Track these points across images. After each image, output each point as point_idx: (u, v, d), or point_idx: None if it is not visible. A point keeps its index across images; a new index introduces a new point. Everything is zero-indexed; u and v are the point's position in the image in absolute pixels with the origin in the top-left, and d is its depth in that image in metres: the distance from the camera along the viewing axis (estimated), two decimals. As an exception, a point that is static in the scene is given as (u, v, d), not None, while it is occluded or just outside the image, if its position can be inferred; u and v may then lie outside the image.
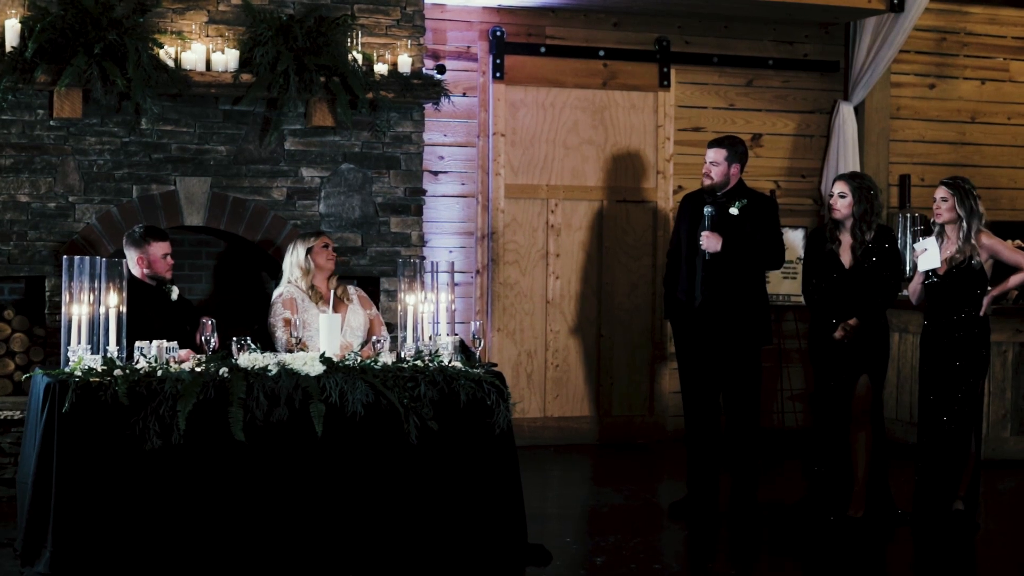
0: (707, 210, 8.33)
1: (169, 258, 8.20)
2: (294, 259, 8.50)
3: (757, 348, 8.45)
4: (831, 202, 8.19)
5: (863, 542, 7.75)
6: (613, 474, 9.84)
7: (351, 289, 8.65)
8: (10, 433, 8.20)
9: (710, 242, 8.25)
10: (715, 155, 8.40)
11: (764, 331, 8.49)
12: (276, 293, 8.47)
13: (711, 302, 8.26)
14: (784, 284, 10.94)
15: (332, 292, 8.07)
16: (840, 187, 8.18)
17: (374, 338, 7.48)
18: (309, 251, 8.46)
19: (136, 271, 8.09)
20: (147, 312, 7.79)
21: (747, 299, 8.37)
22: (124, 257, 8.10)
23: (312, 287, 8.40)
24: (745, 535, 8.01)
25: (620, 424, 10.89)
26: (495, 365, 7.42)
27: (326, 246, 8.51)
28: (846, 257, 8.16)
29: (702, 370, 8.37)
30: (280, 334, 8.19)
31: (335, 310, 8.18)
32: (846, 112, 11.27)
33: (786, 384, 11.30)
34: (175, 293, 8.27)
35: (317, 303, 8.29)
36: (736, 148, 8.43)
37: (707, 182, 8.42)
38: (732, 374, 8.32)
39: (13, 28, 8.62)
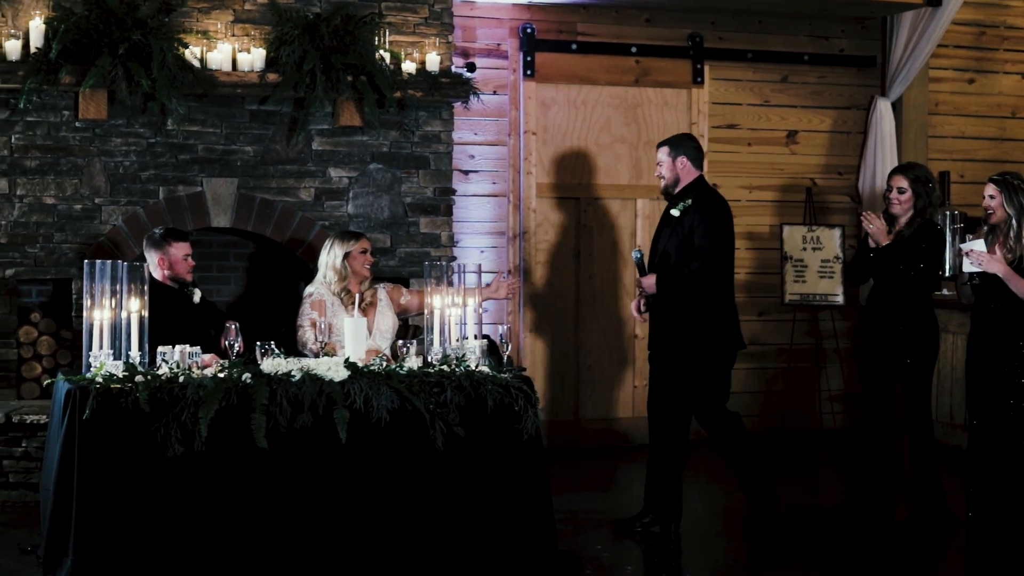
0: (634, 255, 8.00)
1: (190, 259, 8.07)
2: (330, 260, 8.30)
3: (705, 363, 7.90)
4: (889, 196, 7.97)
5: (910, 548, 7.57)
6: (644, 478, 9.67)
7: (380, 291, 8.50)
8: (36, 437, 8.12)
9: (647, 286, 7.84)
10: (659, 155, 8.00)
11: (711, 341, 7.89)
12: (308, 291, 8.32)
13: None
14: (822, 283, 10.77)
15: (358, 296, 7.96)
16: (898, 181, 7.96)
17: (400, 342, 7.36)
18: (347, 255, 8.28)
19: (157, 273, 7.98)
20: (169, 316, 7.68)
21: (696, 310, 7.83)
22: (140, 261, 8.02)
23: (345, 291, 8.24)
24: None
25: (654, 426, 10.72)
26: (523, 369, 7.29)
27: (364, 251, 8.32)
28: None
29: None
30: (307, 334, 8.05)
31: (364, 313, 8.07)
32: (883, 108, 11.08)
33: (824, 385, 11.12)
34: (197, 295, 8.15)
35: (347, 307, 8.15)
36: (678, 142, 7.99)
37: (661, 185, 8.05)
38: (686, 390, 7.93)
39: (37, 29, 8.56)
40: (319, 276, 8.34)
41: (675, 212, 7.86)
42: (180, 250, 8.02)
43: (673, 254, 7.81)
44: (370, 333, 8.13)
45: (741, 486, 8.00)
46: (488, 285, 8.44)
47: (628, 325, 10.64)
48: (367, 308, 8.22)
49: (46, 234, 8.78)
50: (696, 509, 8.49)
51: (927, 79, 11.29)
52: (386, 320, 8.33)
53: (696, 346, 7.79)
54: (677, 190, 7.92)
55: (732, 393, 10.72)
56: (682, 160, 7.92)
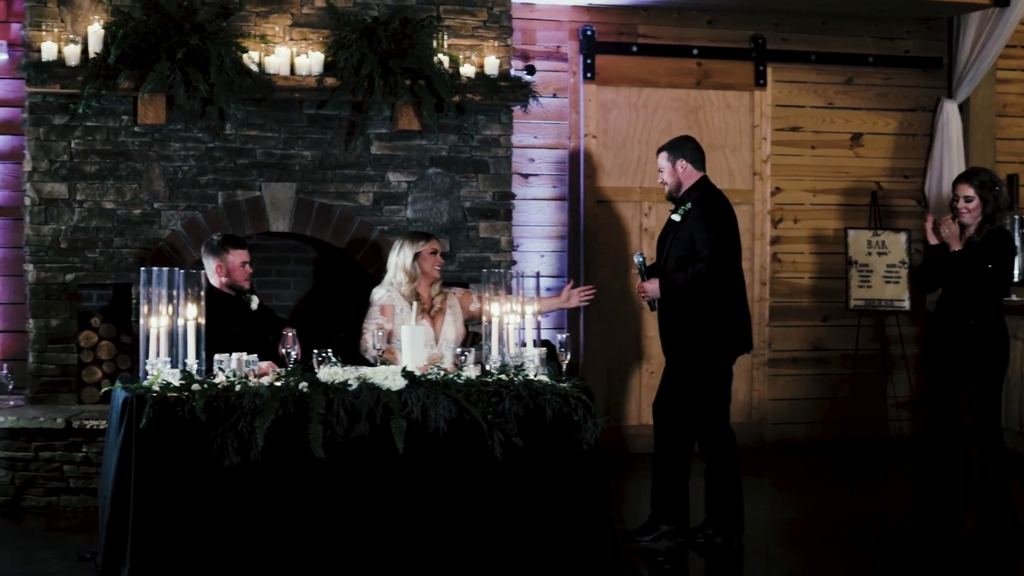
0: (636, 259, 7.87)
1: (248, 267, 8.01)
2: (400, 260, 8.18)
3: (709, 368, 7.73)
4: (957, 206, 7.80)
5: (978, 560, 7.42)
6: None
7: (451, 298, 8.32)
8: (96, 443, 8.11)
9: (649, 291, 7.71)
10: (659, 161, 7.86)
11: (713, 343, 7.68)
12: (377, 294, 8.20)
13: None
14: (887, 288, 10.61)
15: (424, 305, 7.87)
16: (964, 190, 7.78)
17: (458, 350, 7.28)
18: (417, 255, 8.16)
19: (215, 280, 7.94)
20: (226, 323, 7.64)
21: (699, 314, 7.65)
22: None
23: (416, 295, 8.13)
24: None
25: (716, 432, 10.61)
26: (583, 378, 7.20)
27: (435, 252, 8.21)
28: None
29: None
30: (369, 340, 7.96)
31: (433, 321, 7.99)
32: (950, 110, 10.90)
33: (891, 391, 10.96)
34: (255, 303, 8.09)
35: (417, 314, 8.03)
36: (676, 145, 7.82)
37: (665, 190, 7.90)
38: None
39: (97, 34, 8.55)
40: (388, 278, 8.23)
41: (676, 217, 7.72)
42: (238, 257, 7.97)
43: (676, 259, 7.67)
44: (436, 341, 8.03)
45: (709, 502, 7.73)
46: (558, 295, 8.35)
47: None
48: (436, 315, 8.13)
49: (106, 239, 8.78)
50: (758, 518, 8.36)
51: (995, 80, 11.08)
52: (453, 329, 8.20)
53: (703, 349, 7.62)
54: (680, 194, 7.78)
55: (795, 400, 10.77)
56: (682, 163, 7.77)
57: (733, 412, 10.48)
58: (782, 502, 8.99)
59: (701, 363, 7.63)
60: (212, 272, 7.95)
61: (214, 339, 7.02)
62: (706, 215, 7.63)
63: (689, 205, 7.67)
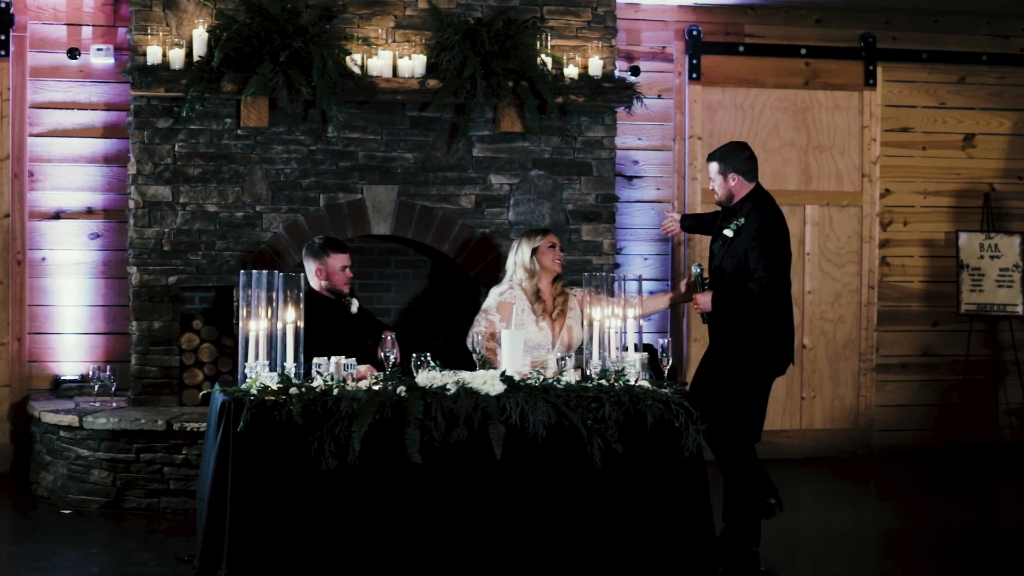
0: (694, 269, 7.68)
1: (348, 271, 7.96)
2: (519, 258, 8.05)
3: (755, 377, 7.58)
4: None
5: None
6: (814, 492, 9.40)
7: (572, 299, 8.12)
8: (196, 445, 8.12)
9: (702, 304, 7.52)
10: (710, 171, 7.70)
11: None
12: (496, 291, 8.06)
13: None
14: (999, 293, 10.35)
15: (547, 307, 7.78)
16: None
17: (558, 355, 7.18)
18: (535, 251, 8.02)
19: (315, 283, 7.91)
20: (326, 327, 7.60)
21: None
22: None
23: (537, 292, 8.01)
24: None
25: (823, 438, 10.45)
26: (685, 384, 7.07)
27: (552, 246, 8.05)
28: None
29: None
30: (478, 337, 7.87)
31: (554, 324, 7.88)
32: (1067, 109, 10.64)
33: (1003, 398, 10.70)
34: (355, 306, 8.04)
35: (538, 316, 7.94)
36: (727, 157, 7.62)
37: (715, 198, 7.76)
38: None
39: (200, 38, 8.58)
40: (507, 276, 8.10)
41: (728, 232, 7.55)
42: (338, 261, 7.92)
43: (728, 273, 7.51)
44: (553, 345, 7.91)
45: (728, 511, 7.49)
46: (664, 293, 8.24)
47: (796, 335, 10.33)
48: (557, 317, 8.00)
49: (208, 241, 8.80)
50: (861, 527, 8.20)
51: (1115, 79, 10.80)
52: (572, 333, 8.02)
53: (747, 365, 7.44)
54: (732, 204, 7.61)
55: (903, 406, 10.57)
56: (733, 176, 7.59)
57: (839, 418, 10.44)
58: (887, 511, 8.80)
59: (742, 378, 7.45)
60: (312, 275, 7.92)
61: (314, 343, 6.99)
62: (760, 235, 7.45)
63: (743, 220, 7.50)
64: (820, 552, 7.65)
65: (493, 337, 7.68)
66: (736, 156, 7.61)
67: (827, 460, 10.32)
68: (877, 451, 10.49)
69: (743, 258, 7.45)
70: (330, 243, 7.99)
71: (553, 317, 7.93)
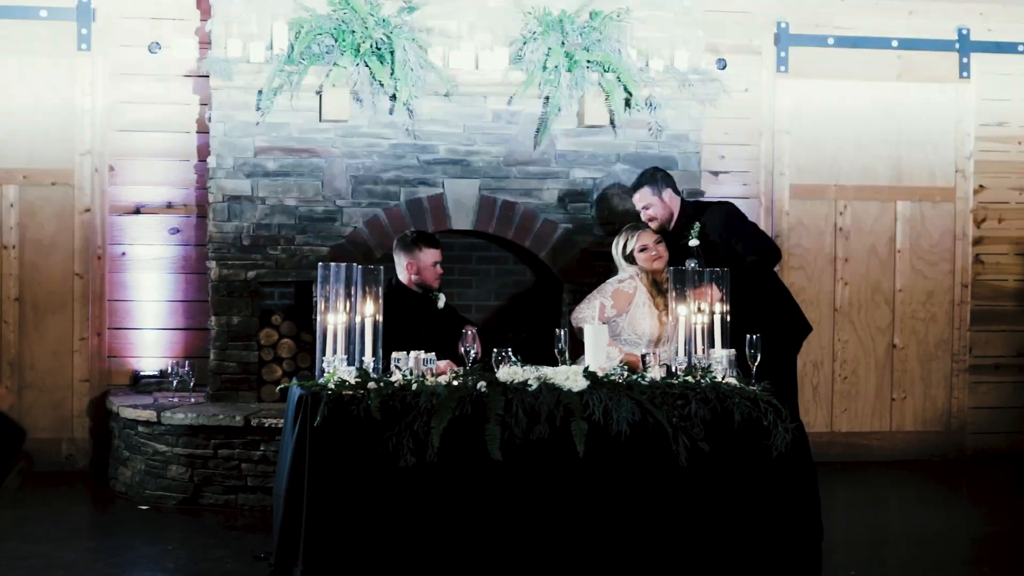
0: (690, 264, 7.60)
1: (439, 267, 7.90)
2: (617, 251, 8.00)
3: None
4: None
5: None
6: (903, 496, 9.16)
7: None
8: (274, 441, 8.02)
9: (710, 294, 7.18)
10: (642, 199, 8.07)
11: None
12: (616, 278, 7.94)
13: None
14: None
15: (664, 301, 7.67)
16: None
17: (643, 351, 7.01)
18: (629, 256, 7.93)
19: (403, 276, 7.84)
20: (412, 320, 7.51)
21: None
22: (388, 263, 7.86)
23: (655, 283, 7.84)
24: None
25: (913, 441, 10.19)
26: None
27: (644, 249, 7.89)
28: None
29: None
30: (584, 311, 7.73)
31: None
32: None
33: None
34: (442, 301, 7.98)
35: (660, 311, 7.74)
36: (654, 179, 8.08)
37: (655, 226, 7.99)
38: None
39: (281, 30, 8.51)
40: (622, 267, 8.00)
41: (693, 242, 7.77)
42: (430, 256, 7.88)
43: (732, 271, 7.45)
44: (666, 339, 7.73)
45: None
46: None
47: (887, 334, 10.11)
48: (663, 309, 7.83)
49: (287, 236, 8.72)
50: (953, 531, 7.96)
51: None
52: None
53: (771, 341, 7.20)
54: (673, 224, 7.93)
55: (997, 408, 10.29)
56: (667, 193, 8.05)
57: (931, 420, 10.20)
58: (979, 516, 8.54)
59: (769, 358, 7.18)
60: (402, 269, 7.86)
61: (398, 336, 6.91)
62: (728, 221, 7.92)
63: (697, 225, 7.81)
64: (908, 556, 7.42)
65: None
66: (660, 176, 8.08)
67: (918, 463, 10.07)
68: (970, 454, 10.22)
69: (725, 250, 7.71)
70: (423, 237, 7.94)
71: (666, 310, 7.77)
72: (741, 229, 7.92)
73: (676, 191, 8.15)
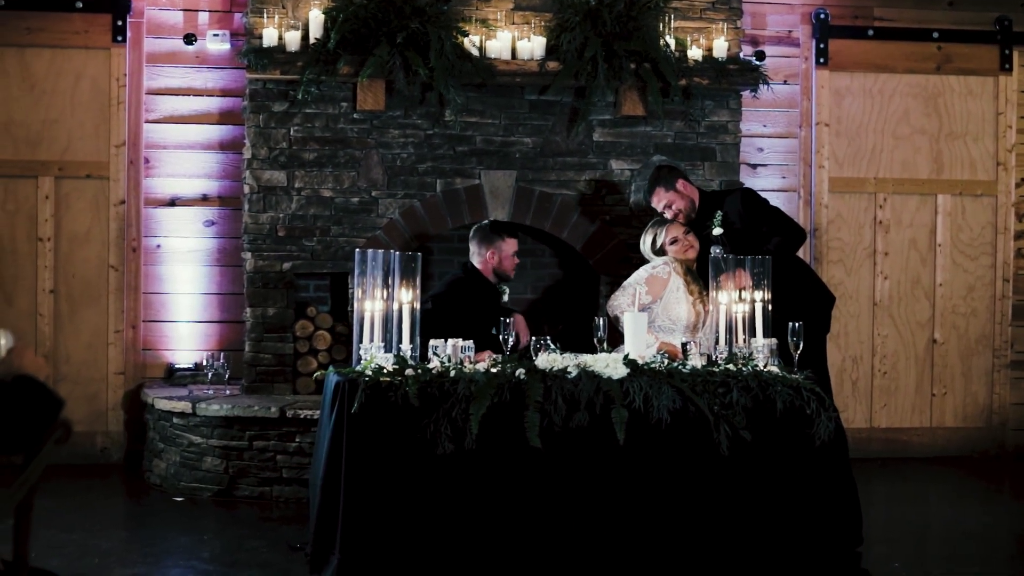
0: (715, 251, 7.59)
1: (516, 257, 8.02)
2: (645, 248, 7.97)
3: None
4: None
5: None
6: (943, 492, 9.04)
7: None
8: (309, 433, 7.96)
9: (741, 280, 7.06)
10: (663, 199, 8.04)
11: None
12: (649, 265, 7.87)
13: None
14: None
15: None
16: None
17: (684, 339, 6.91)
18: (659, 249, 7.88)
19: (480, 263, 7.93)
20: (479, 308, 7.51)
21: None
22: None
23: (689, 269, 7.79)
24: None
25: (954, 437, 10.06)
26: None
27: (674, 242, 7.84)
28: None
29: None
30: (619, 299, 7.66)
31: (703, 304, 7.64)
32: None
33: None
34: (506, 295, 8.05)
35: (695, 297, 7.68)
36: (663, 175, 8.10)
37: (682, 219, 8.01)
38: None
39: (317, 19, 8.45)
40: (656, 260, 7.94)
41: (717, 231, 7.75)
42: (511, 247, 7.98)
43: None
44: (704, 325, 7.63)
45: None
46: None
47: (927, 329, 9.98)
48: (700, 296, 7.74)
49: (323, 227, 8.66)
50: (992, 528, 7.84)
51: None
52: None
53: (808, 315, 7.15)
54: (696, 212, 7.95)
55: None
56: (681, 183, 8.03)
57: (971, 416, 10.07)
58: (1020, 513, 8.41)
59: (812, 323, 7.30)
60: (482, 258, 7.95)
61: (460, 322, 6.92)
62: (746, 204, 7.94)
63: (720, 213, 7.78)
64: (950, 551, 7.30)
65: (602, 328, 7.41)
66: (665, 171, 8.11)
67: (958, 459, 9.93)
68: (1011, 451, 10.08)
69: (747, 234, 7.74)
70: (504, 227, 8.10)
71: (703, 298, 7.67)
72: (762, 212, 7.96)
73: (687, 179, 8.15)
